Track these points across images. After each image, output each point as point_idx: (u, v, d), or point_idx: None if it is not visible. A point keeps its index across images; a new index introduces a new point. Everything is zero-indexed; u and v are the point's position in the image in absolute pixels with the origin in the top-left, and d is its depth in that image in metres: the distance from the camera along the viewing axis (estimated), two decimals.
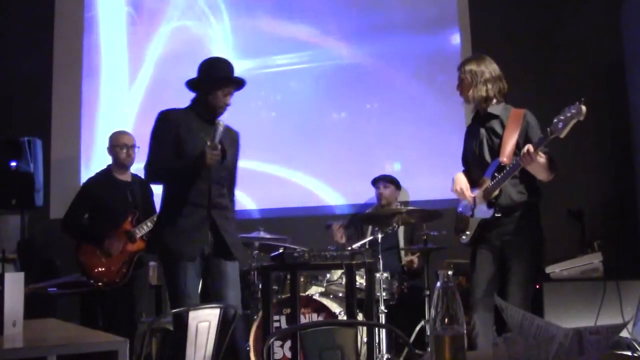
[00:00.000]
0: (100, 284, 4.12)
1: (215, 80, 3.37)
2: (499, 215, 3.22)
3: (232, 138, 3.53)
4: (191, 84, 3.45)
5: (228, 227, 3.39)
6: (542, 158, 3.02)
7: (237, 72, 3.47)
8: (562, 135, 2.85)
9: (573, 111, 2.79)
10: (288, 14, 5.83)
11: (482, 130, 3.35)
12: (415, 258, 4.75)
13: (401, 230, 4.88)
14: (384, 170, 5.11)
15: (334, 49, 5.71)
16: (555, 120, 2.86)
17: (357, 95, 5.64)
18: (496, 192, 3.21)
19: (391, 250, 4.80)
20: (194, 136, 3.33)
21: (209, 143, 3.19)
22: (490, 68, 3.33)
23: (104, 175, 4.41)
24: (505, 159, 3.17)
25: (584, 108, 2.77)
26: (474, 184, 3.36)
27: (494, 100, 3.32)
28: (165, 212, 3.41)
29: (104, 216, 4.26)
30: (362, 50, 5.68)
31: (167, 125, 3.37)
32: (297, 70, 5.77)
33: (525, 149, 2.99)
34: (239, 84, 3.44)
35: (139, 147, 4.45)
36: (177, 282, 3.25)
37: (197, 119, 3.40)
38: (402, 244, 4.89)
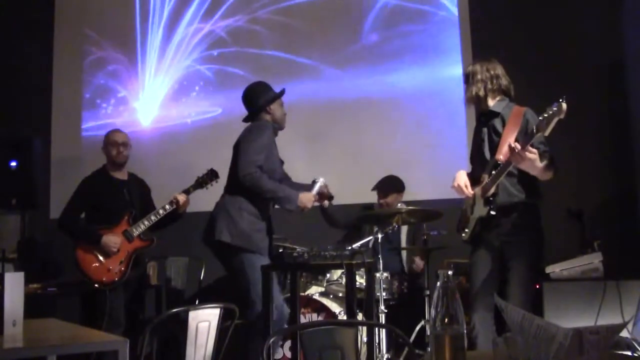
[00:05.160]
0: (98, 283, 4.12)
1: (271, 100, 3.98)
2: (494, 213, 3.22)
3: None
4: (253, 115, 4.00)
5: None
6: (533, 154, 3.01)
7: None
8: (546, 133, 2.86)
9: (554, 109, 2.80)
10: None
11: (485, 129, 3.37)
12: (419, 262, 4.73)
13: (404, 230, 4.87)
14: (385, 171, 5.08)
15: (336, 49, 5.72)
16: (540, 119, 2.88)
17: (358, 95, 5.64)
18: (492, 190, 3.21)
19: (394, 250, 4.80)
20: (277, 153, 3.94)
21: (314, 195, 3.92)
22: (484, 67, 3.36)
23: (100, 174, 4.42)
24: (501, 157, 3.17)
25: (564, 106, 2.78)
26: (476, 181, 3.36)
27: (489, 99, 3.34)
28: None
29: (101, 215, 4.26)
30: (364, 52, 5.68)
31: (267, 137, 3.84)
32: (298, 75, 5.78)
33: (512, 145, 2.98)
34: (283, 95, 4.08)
35: (131, 145, 4.49)
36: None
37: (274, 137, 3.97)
38: (404, 243, 4.89)
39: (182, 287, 5.29)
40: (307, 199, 3.85)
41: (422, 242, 4.43)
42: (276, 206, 3.96)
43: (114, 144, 4.39)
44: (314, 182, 3.97)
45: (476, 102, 3.39)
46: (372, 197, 5.05)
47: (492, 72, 3.35)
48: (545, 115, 2.84)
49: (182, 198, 4.26)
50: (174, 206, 4.26)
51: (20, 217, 5.30)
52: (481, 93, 3.33)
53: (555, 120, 2.81)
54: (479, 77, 3.34)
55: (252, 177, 3.70)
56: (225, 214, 3.76)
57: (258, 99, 3.99)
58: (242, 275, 3.67)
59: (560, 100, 2.79)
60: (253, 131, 3.86)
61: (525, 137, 3.02)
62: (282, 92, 4.06)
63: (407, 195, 5.08)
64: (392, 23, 5.65)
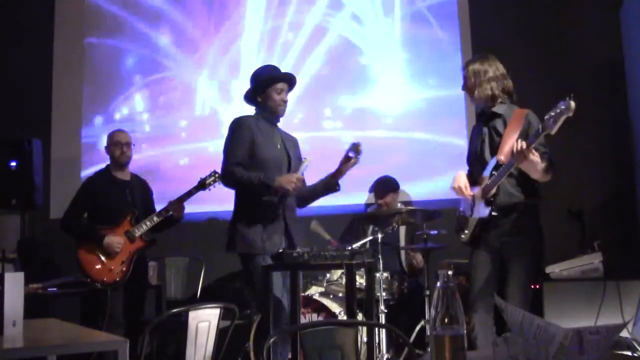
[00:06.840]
0: (100, 283, 4.12)
1: (264, 82, 3.65)
2: (496, 214, 3.21)
3: (292, 142, 3.87)
4: (249, 97, 3.74)
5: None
6: (535, 156, 3.01)
7: None
8: (553, 132, 2.84)
9: (562, 107, 2.78)
10: None
11: (485, 129, 3.35)
12: (418, 256, 4.73)
13: (402, 230, 4.87)
14: (384, 171, 5.08)
15: (337, 48, 5.73)
16: (546, 117, 2.85)
17: (357, 94, 5.64)
18: (493, 191, 3.20)
19: (392, 250, 4.80)
20: (268, 141, 3.64)
21: (297, 176, 3.52)
22: (494, 66, 3.33)
23: (103, 175, 4.42)
24: (502, 158, 3.16)
25: (572, 104, 2.76)
26: (475, 182, 3.35)
27: (499, 99, 3.32)
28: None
29: (103, 215, 4.26)
30: (363, 51, 5.68)
31: (243, 131, 3.61)
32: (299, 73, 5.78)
33: (518, 146, 2.97)
34: (289, 80, 3.72)
35: (134, 145, 4.49)
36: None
37: (266, 125, 3.69)
38: (403, 243, 4.89)
39: (182, 287, 5.29)
40: (286, 180, 3.50)
41: (422, 242, 4.43)
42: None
43: (118, 144, 4.38)
44: (302, 163, 3.74)
45: (485, 101, 3.34)
46: (371, 198, 5.05)
47: (500, 72, 3.34)
48: (552, 113, 2.81)
49: (176, 206, 4.27)
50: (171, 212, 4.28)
51: (20, 217, 5.30)
52: (495, 92, 3.31)
53: (563, 118, 2.79)
54: (491, 75, 3.30)
55: (227, 176, 3.60)
56: (230, 224, 3.67)
57: (256, 80, 3.72)
58: (250, 280, 3.63)
59: (568, 97, 2.77)
60: (229, 131, 3.71)
61: (530, 137, 3.01)
62: (283, 77, 3.73)
63: (407, 196, 5.08)
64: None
